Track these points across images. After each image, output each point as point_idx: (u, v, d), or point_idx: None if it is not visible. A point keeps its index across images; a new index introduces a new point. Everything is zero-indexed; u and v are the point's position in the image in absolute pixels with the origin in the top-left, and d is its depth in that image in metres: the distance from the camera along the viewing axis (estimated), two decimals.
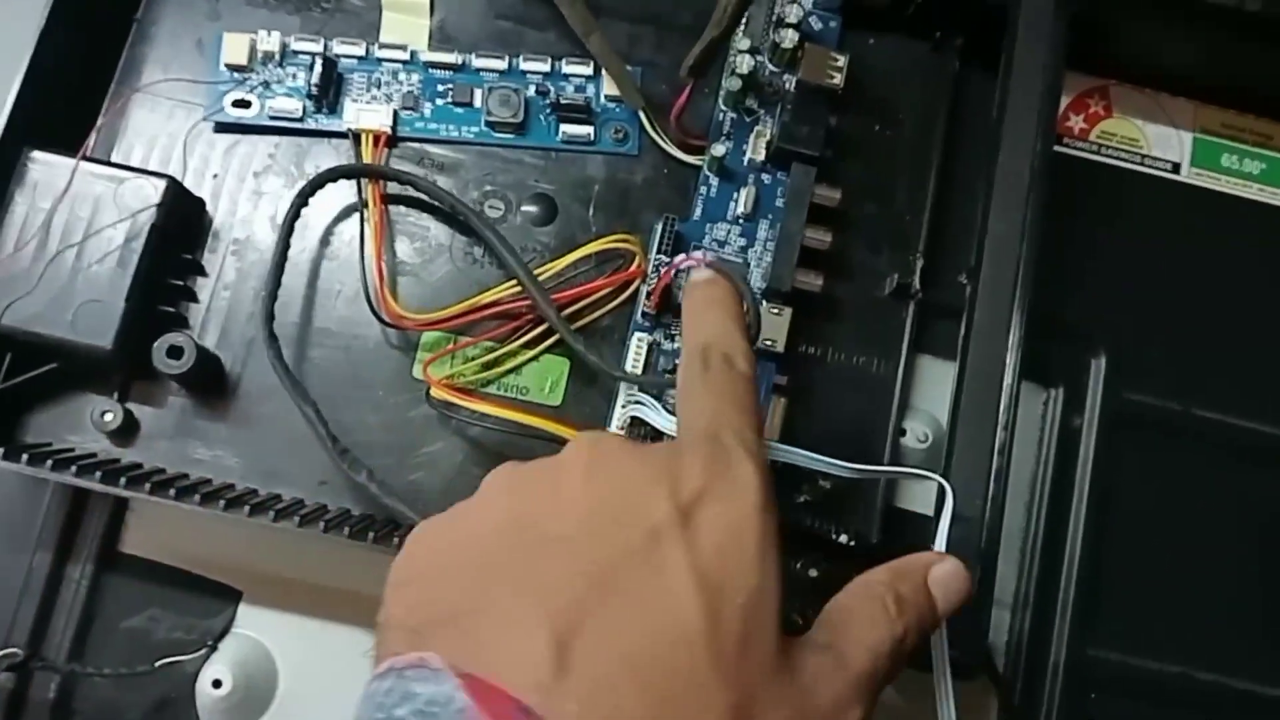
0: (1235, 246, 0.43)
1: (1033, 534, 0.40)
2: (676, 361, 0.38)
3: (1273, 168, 0.44)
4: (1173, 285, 0.42)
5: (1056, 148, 0.42)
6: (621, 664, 0.22)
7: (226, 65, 0.40)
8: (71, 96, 0.39)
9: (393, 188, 0.40)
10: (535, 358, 0.39)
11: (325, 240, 0.40)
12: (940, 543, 0.31)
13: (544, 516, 0.25)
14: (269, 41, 0.40)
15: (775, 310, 0.39)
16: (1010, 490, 0.36)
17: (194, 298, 0.39)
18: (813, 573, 0.37)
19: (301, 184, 0.38)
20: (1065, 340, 0.41)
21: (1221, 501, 0.41)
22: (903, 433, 0.40)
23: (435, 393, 0.37)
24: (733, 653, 0.22)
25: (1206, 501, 0.41)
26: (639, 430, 0.38)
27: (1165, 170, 0.44)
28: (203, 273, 0.39)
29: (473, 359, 0.39)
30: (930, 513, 0.38)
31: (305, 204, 0.38)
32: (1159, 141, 0.44)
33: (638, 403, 0.37)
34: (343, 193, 0.40)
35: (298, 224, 0.38)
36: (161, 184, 0.37)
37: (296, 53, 0.40)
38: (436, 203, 0.40)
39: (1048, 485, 0.40)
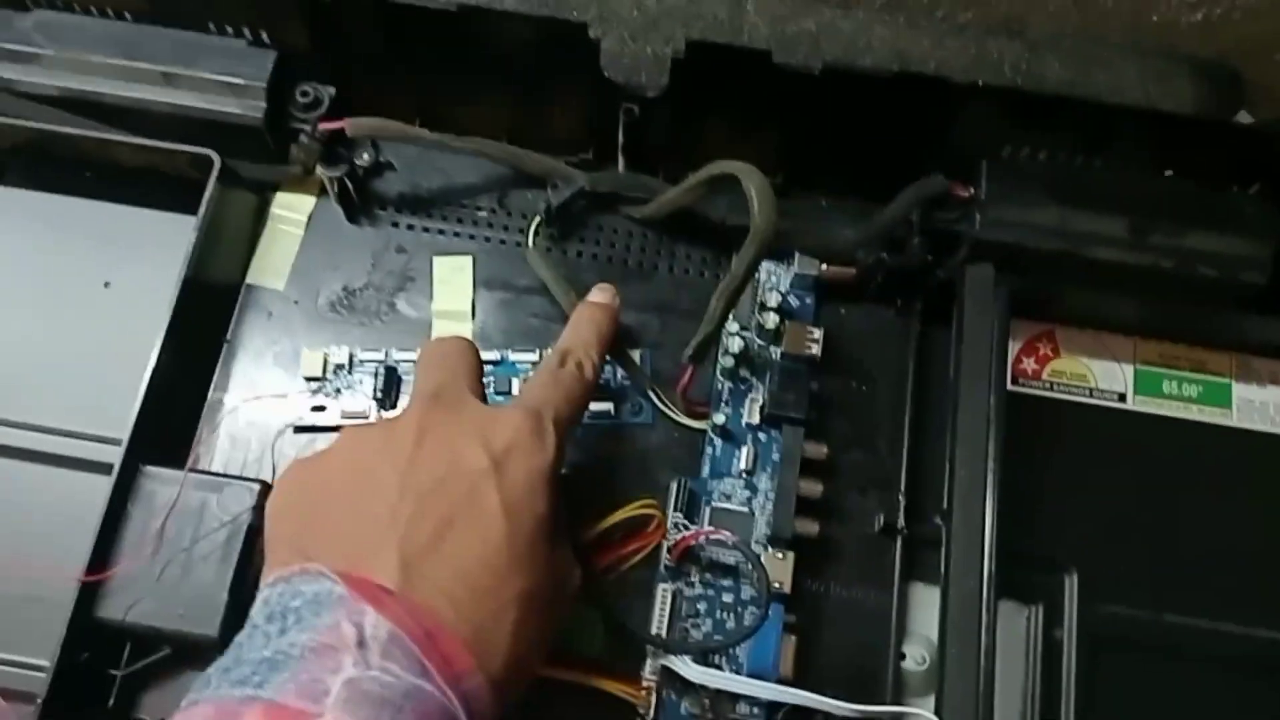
0: (1183, 462, 0.49)
1: None
2: (699, 607, 0.44)
3: (1209, 390, 0.50)
4: (1130, 502, 0.48)
5: (1013, 388, 0.49)
6: (452, 570, 0.33)
7: (304, 377, 0.48)
8: (174, 412, 0.47)
9: None
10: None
11: None
12: None
13: (390, 469, 0.35)
14: (339, 354, 0.48)
15: (780, 555, 0.45)
16: (1003, 702, 0.41)
17: None
18: None
19: None
20: (1039, 561, 0.46)
21: (1200, 702, 0.45)
22: (902, 657, 0.45)
23: None
24: (524, 555, 0.34)
25: (1186, 703, 0.45)
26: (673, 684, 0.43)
27: (1113, 400, 0.50)
28: None
29: None
30: None
31: None
32: (1105, 375, 0.50)
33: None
34: None
35: None
36: (256, 488, 0.44)
37: (363, 361, 0.48)
38: None
39: (1037, 695, 0.45)
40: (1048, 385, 0.50)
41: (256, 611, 0.32)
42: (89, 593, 0.41)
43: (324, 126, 0.48)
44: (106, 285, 0.51)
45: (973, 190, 0.47)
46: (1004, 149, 0.48)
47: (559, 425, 0.37)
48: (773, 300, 0.48)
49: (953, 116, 0.47)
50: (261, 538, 0.43)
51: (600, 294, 0.46)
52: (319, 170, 0.50)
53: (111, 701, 0.42)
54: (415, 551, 0.32)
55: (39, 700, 0.39)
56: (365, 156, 0.51)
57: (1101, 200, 0.46)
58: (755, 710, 0.43)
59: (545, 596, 0.35)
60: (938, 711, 0.41)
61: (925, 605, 0.46)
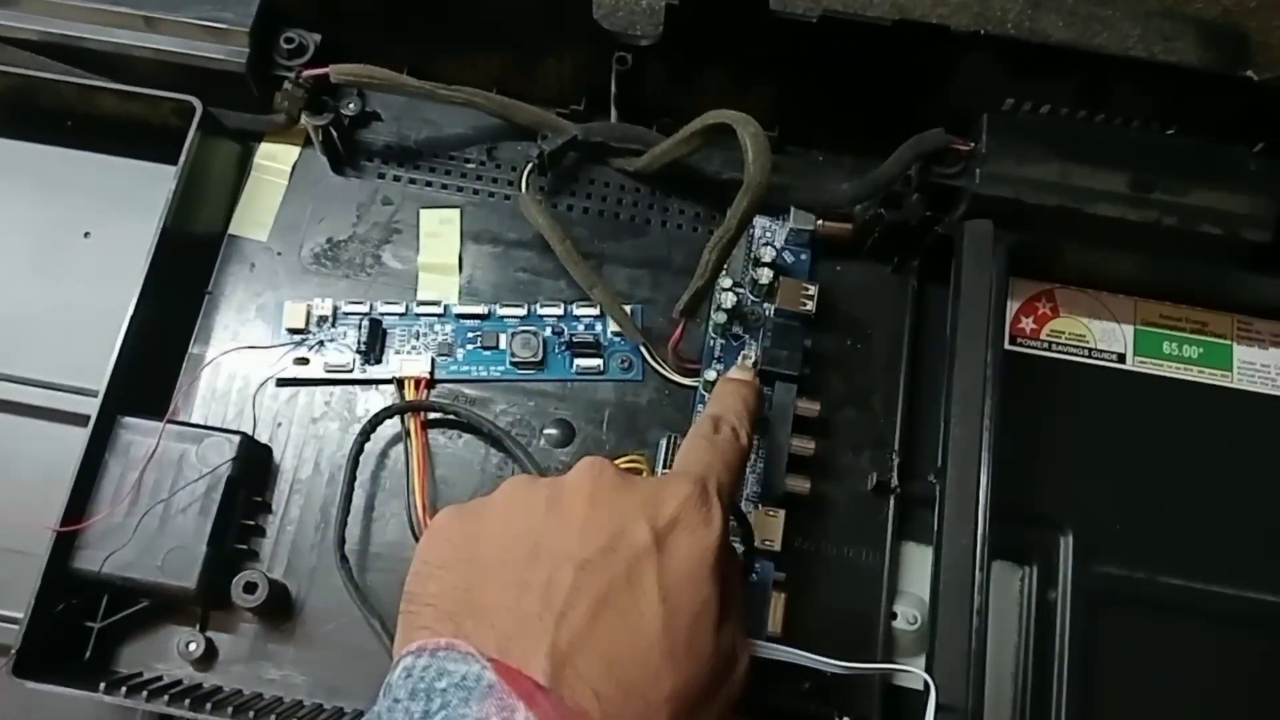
0: (1182, 423, 0.48)
1: (1020, 704, 0.44)
2: None
3: (1209, 351, 0.49)
4: (1128, 464, 0.47)
5: (1011, 347, 0.48)
6: (604, 663, 0.29)
7: (287, 329, 0.47)
8: (153, 364, 0.46)
9: (431, 418, 0.46)
10: None
11: (376, 472, 0.46)
12: None
13: (551, 534, 0.32)
14: (322, 307, 0.47)
15: (771, 513, 0.44)
16: (996, 662, 0.40)
17: (263, 533, 0.44)
18: None
19: (354, 426, 0.45)
20: (1034, 521, 0.46)
21: (1194, 662, 0.45)
22: (894, 616, 0.44)
23: None
24: (681, 648, 0.30)
25: (1181, 663, 0.44)
26: None
27: (1112, 361, 0.49)
28: (269, 510, 0.45)
29: None
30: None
31: (368, 439, 0.44)
32: (1104, 335, 0.49)
33: None
34: (388, 430, 0.46)
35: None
36: (236, 439, 0.43)
37: (347, 314, 0.47)
38: (475, 428, 0.46)
39: (1031, 656, 0.44)
40: (1046, 345, 0.49)
41: (397, 682, 0.29)
42: (65, 543, 0.40)
43: (308, 73, 0.47)
44: (86, 235, 0.50)
45: (973, 145, 0.45)
46: (1005, 102, 0.47)
47: (723, 495, 0.34)
48: (767, 256, 0.47)
49: (953, 68, 0.46)
50: (242, 491, 0.43)
51: (741, 371, 0.44)
52: (304, 119, 0.48)
53: (88, 653, 0.42)
54: (569, 640, 0.29)
55: (13, 651, 0.38)
56: (351, 106, 0.50)
57: (1104, 156, 0.45)
58: None
59: (703, 691, 0.31)
60: (928, 671, 0.40)
61: (917, 565, 0.45)
